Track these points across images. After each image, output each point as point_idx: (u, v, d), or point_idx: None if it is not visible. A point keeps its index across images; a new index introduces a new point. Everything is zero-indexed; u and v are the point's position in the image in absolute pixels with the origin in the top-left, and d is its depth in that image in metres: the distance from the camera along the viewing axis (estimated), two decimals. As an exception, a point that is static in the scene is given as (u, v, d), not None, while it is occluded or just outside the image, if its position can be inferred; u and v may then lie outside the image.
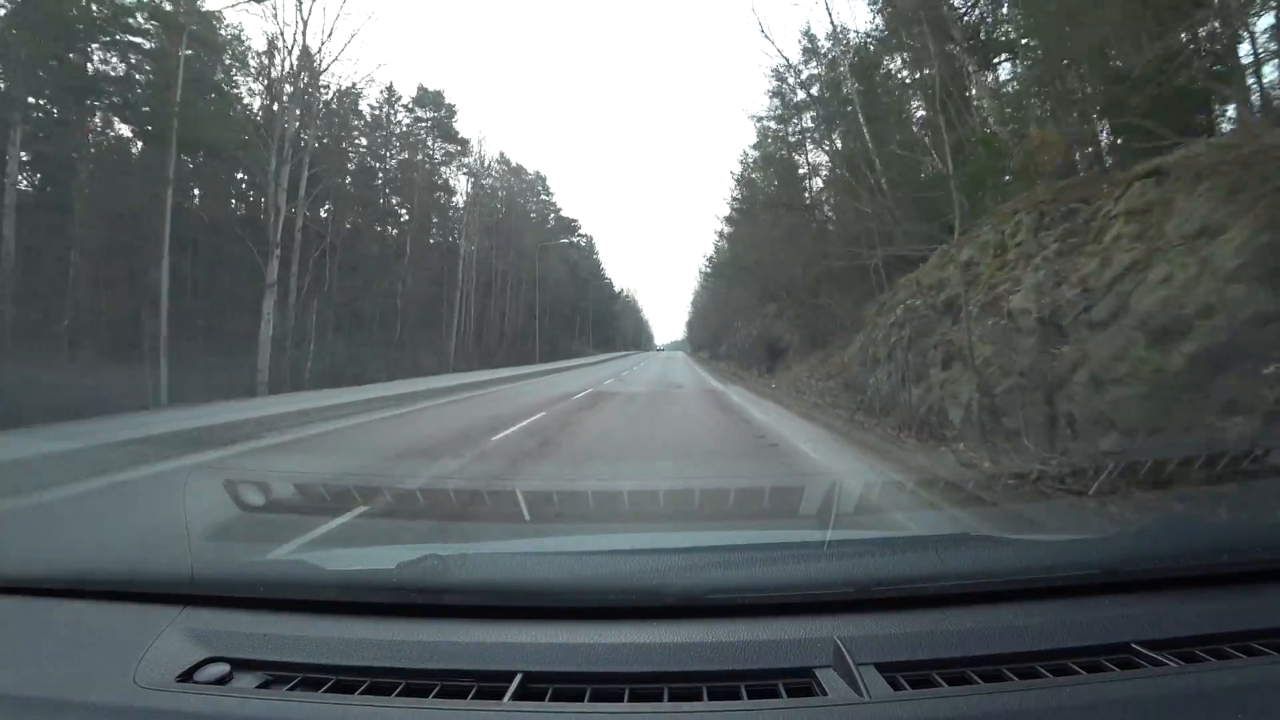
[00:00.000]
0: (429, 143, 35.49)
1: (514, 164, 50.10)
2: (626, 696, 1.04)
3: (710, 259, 41.31)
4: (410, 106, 34.48)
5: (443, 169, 36.90)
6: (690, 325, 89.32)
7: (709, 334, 55.76)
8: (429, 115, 35.21)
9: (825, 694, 1.01)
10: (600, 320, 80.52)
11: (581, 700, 1.03)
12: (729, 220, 32.18)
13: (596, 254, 77.07)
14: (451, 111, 36.28)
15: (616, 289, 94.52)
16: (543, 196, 56.05)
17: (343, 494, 3.82)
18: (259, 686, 1.09)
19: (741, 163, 30.06)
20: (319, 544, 3.27)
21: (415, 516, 3.71)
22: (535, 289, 44.51)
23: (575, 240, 65.47)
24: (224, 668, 1.11)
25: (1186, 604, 1.25)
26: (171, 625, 1.24)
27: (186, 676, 1.10)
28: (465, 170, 38.44)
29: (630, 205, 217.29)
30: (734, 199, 30.32)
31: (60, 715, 1.04)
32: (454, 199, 38.19)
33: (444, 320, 33.56)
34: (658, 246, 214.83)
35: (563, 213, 60.84)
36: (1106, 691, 1.01)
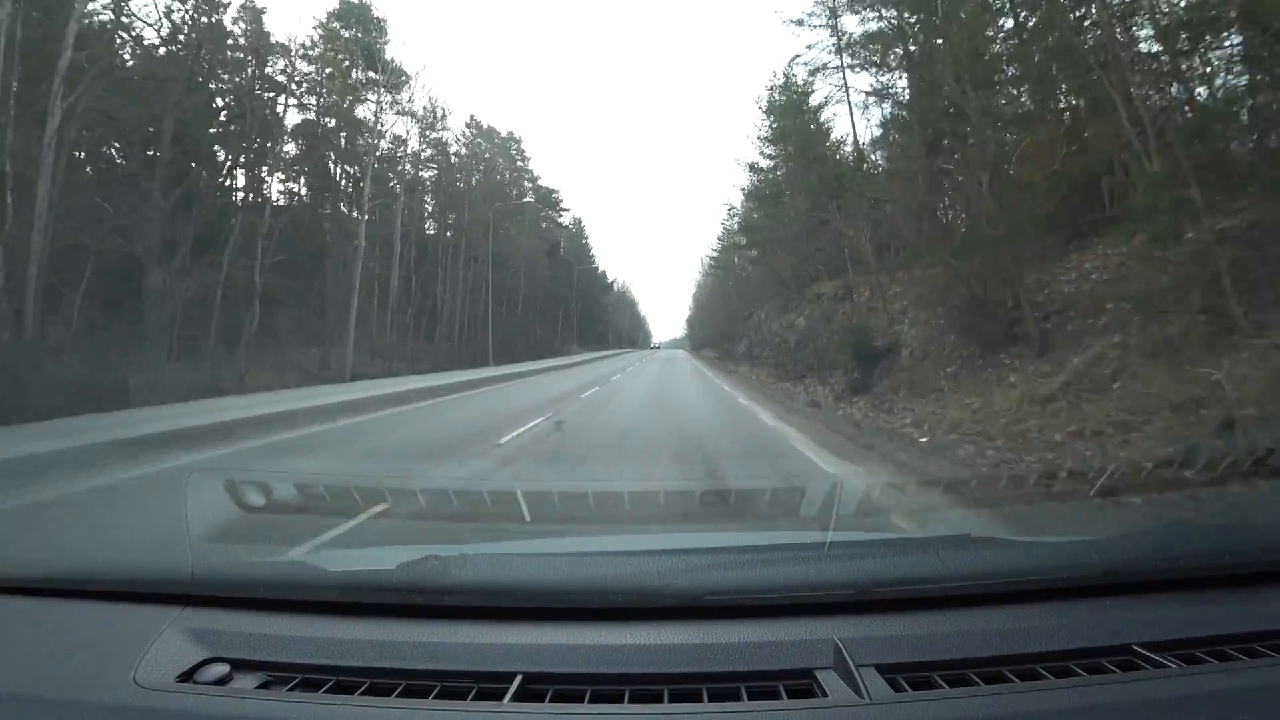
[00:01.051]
0: (350, 70, 26.26)
1: (485, 126, 42.73)
2: (627, 698, 1.04)
3: (743, 197, 30.17)
4: (325, 20, 26.06)
5: (361, 106, 27.30)
6: (691, 322, 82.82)
7: (717, 330, 47.67)
8: (350, 35, 26.57)
9: (826, 695, 1.01)
10: (590, 314, 70.51)
11: (581, 701, 1.03)
12: (754, 168, 24.96)
13: (586, 238, 67.61)
14: (381, 29, 28.00)
15: (610, 280, 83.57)
16: (518, 163, 47.64)
17: (344, 494, 3.82)
18: (259, 687, 1.09)
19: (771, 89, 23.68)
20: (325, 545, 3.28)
21: (415, 518, 3.71)
22: (488, 267, 34.01)
23: (558, 216, 55.89)
24: (224, 668, 1.12)
25: (1188, 606, 1.25)
26: (172, 625, 1.24)
27: (187, 677, 1.10)
28: (399, 110, 29.23)
29: (628, 208, 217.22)
30: (765, 134, 24.44)
31: (61, 715, 1.04)
32: (369, 146, 28.13)
33: (375, 307, 26.75)
34: (656, 250, 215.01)
35: (542, 182, 51.87)
36: (1108, 693, 1.01)
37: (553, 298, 51.77)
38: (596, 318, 76.47)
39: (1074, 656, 1.09)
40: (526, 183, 49.37)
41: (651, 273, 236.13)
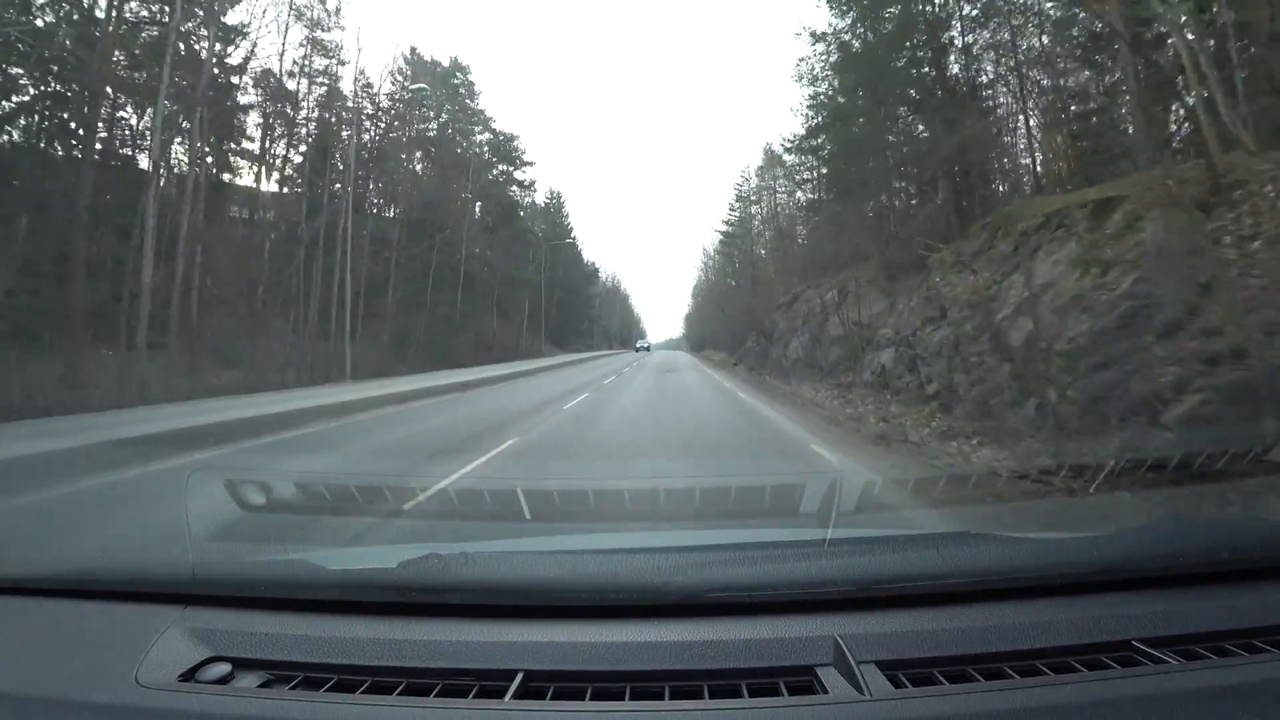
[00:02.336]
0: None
1: (428, 59, 32.83)
2: (628, 695, 1.04)
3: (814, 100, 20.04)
4: None
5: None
6: (690, 319, 75.40)
7: (727, 326, 38.70)
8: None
9: (826, 692, 1.01)
10: (571, 308, 56.99)
11: (583, 699, 1.03)
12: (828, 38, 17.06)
13: (566, 216, 54.41)
14: None
15: (595, 268, 68.34)
16: (467, 101, 36.21)
17: (344, 494, 3.83)
18: (260, 686, 1.09)
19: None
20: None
21: (416, 516, 3.72)
22: (346, 215, 21.15)
23: (522, 175, 41.34)
24: (226, 667, 1.12)
25: (1188, 601, 1.25)
26: (173, 625, 1.24)
27: (188, 676, 1.10)
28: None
29: (623, 210, 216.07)
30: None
31: (62, 715, 1.04)
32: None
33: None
34: (652, 252, 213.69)
35: (497, 125, 38.62)
36: (1108, 689, 1.01)
37: (518, 284, 39.46)
38: (579, 313, 61.64)
39: (1074, 652, 1.09)
40: (478, 127, 37.63)
41: (647, 274, 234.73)
